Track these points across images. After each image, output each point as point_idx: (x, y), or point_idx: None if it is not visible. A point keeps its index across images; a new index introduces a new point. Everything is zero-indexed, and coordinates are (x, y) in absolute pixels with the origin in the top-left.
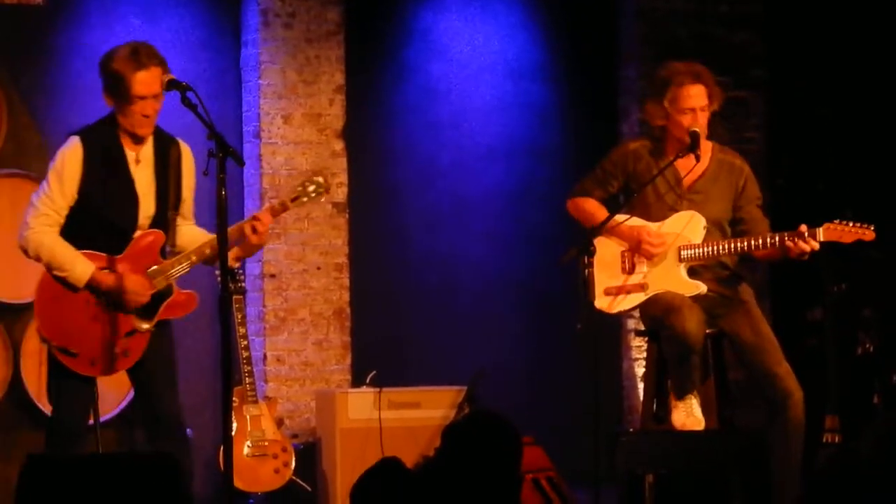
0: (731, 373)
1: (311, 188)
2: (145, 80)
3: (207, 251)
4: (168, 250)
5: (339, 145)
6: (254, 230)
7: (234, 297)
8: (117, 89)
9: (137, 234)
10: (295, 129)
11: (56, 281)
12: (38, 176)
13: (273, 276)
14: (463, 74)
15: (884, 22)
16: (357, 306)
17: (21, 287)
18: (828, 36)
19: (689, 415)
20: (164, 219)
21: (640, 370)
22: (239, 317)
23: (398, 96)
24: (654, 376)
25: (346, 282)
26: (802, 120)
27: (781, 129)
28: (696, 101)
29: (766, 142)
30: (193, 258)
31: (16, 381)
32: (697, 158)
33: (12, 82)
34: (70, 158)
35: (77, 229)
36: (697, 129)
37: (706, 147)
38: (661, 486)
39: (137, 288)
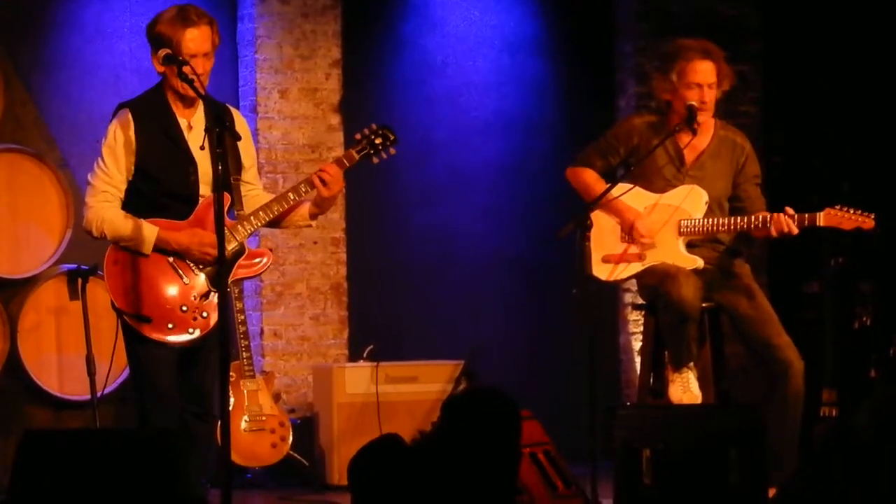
0: (727, 347)
1: (378, 141)
2: (195, 38)
3: (276, 208)
4: (236, 214)
5: (335, 120)
6: (322, 182)
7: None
8: (178, 60)
9: (202, 198)
10: (291, 104)
11: (124, 251)
12: (36, 151)
13: (270, 250)
14: (460, 49)
15: None
16: (354, 281)
17: (18, 262)
18: (824, 8)
19: (685, 389)
20: (227, 182)
21: (637, 344)
22: (236, 291)
23: (394, 71)
24: (651, 350)
25: (343, 256)
26: (800, 93)
27: (778, 103)
28: (703, 77)
29: (762, 115)
30: (262, 216)
31: (13, 357)
32: (694, 132)
33: (9, 58)
34: (120, 130)
35: (141, 200)
36: (695, 104)
37: (709, 124)
38: (658, 461)
39: (206, 241)
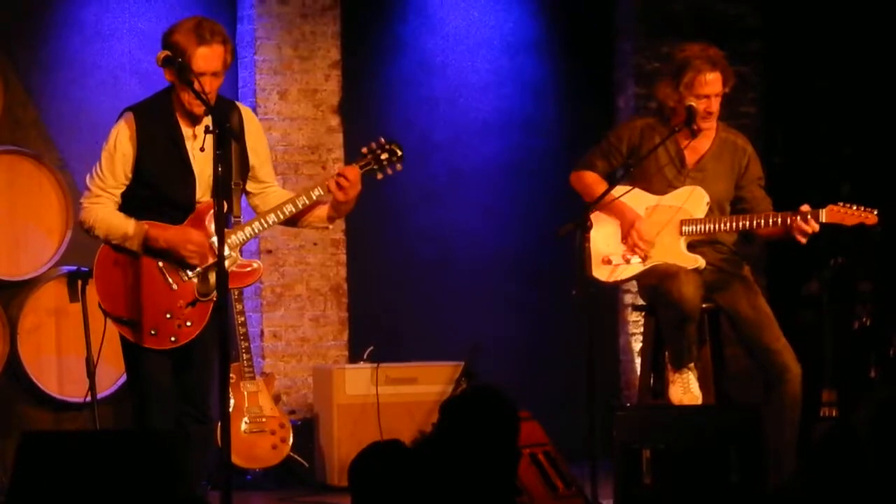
0: (727, 348)
1: (384, 157)
2: (206, 56)
3: (272, 219)
4: (233, 221)
5: (335, 121)
6: (339, 186)
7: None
8: (176, 63)
9: (198, 204)
10: (291, 105)
11: (118, 251)
12: (35, 152)
13: (270, 251)
14: (459, 49)
15: None
16: (354, 282)
17: (18, 264)
18: (824, 8)
19: (686, 390)
20: (227, 189)
21: (637, 345)
22: (235, 293)
23: (394, 71)
24: (651, 351)
25: (343, 257)
26: (799, 93)
27: (778, 103)
28: (711, 88)
29: (762, 116)
30: (258, 225)
31: (13, 358)
32: (693, 134)
33: (9, 58)
34: (122, 136)
35: (139, 204)
36: (695, 105)
37: (711, 126)
38: (658, 461)
39: (193, 239)
